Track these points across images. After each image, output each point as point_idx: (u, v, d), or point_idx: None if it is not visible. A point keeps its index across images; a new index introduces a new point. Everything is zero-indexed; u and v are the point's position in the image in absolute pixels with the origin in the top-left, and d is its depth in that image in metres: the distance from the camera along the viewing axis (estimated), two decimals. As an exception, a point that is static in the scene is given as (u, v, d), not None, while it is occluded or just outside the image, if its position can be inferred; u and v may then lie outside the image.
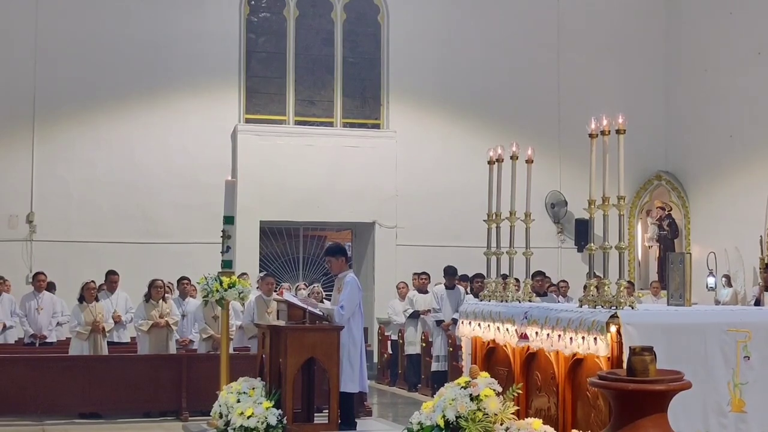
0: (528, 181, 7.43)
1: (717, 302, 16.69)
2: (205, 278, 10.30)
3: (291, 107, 18.69)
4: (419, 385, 14.87)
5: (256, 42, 18.77)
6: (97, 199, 17.32)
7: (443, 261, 15.49)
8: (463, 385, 6.62)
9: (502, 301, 7.53)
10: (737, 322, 5.96)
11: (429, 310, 14.91)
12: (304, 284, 15.92)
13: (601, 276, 6.16)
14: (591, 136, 6.41)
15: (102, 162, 17.45)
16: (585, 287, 6.35)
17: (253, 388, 9.31)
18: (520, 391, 6.65)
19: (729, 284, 17.30)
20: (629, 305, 5.92)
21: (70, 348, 12.47)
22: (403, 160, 18.65)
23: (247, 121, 18.32)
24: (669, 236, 19.72)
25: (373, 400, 13.34)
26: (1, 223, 16.91)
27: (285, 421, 8.88)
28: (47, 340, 13.77)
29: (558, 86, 19.52)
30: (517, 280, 8.50)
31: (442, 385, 7.04)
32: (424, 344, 14.84)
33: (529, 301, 7.50)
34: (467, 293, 14.44)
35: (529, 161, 7.53)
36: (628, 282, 7.15)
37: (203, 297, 10.73)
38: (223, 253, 10.43)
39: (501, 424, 6.35)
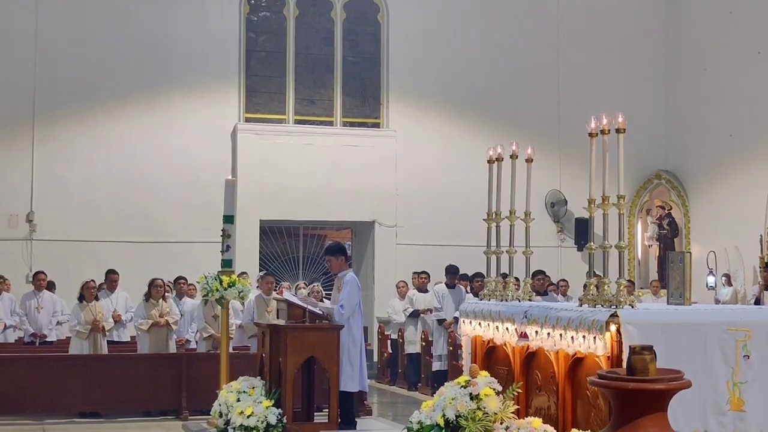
0: (528, 180, 7.43)
1: (717, 301, 16.69)
2: (205, 277, 10.30)
3: (291, 106, 18.69)
4: (419, 384, 14.87)
5: (256, 41, 18.78)
6: (97, 198, 17.32)
7: (443, 260, 15.50)
8: (463, 384, 6.62)
9: (501, 300, 7.53)
10: (737, 321, 5.96)
11: (429, 310, 14.90)
12: (304, 283, 15.93)
13: (601, 275, 6.16)
14: (591, 135, 6.41)
15: (102, 161, 17.45)
16: (585, 286, 6.34)
17: (253, 388, 9.31)
18: (520, 391, 6.65)
19: (729, 283, 17.30)
20: (629, 304, 5.92)
21: (70, 347, 12.47)
22: (402, 160, 18.65)
23: (247, 120, 18.33)
24: (669, 235, 19.72)
25: (373, 400, 13.35)
26: (1, 223, 16.92)
27: (285, 420, 8.88)
28: (47, 340, 13.77)
29: (558, 86, 19.53)
30: (516, 279, 8.50)
31: (443, 385, 7.04)
32: (423, 343, 14.84)
33: (529, 300, 7.51)
34: (467, 292, 14.44)
35: (528, 160, 7.52)
36: (628, 281, 7.14)
37: (203, 296, 10.74)
38: (222, 252, 10.43)
39: (501, 423, 6.35)
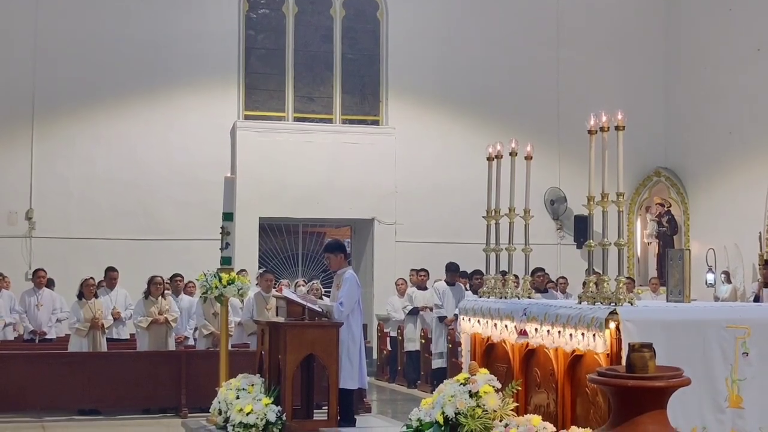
0: (527, 178, 7.42)
1: (716, 299, 16.69)
2: (205, 275, 10.30)
3: (290, 104, 18.69)
4: (418, 382, 14.88)
5: (256, 39, 18.77)
6: (96, 196, 17.32)
7: (442, 257, 15.49)
8: (463, 381, 6.62)
9: (501, 298, 7.53)
10: (736, 318, 5.96)
11: (429, 308, 14.89)
12: (303, 281, 15.93)
13: (601, 272, 6.15)
14: (590, 132, 6.40)
15: (101, 159, 17.45)
16: (584, 284, 6.33)
17: (253, 385, 9.31)
18: (520, 388, 6.65)
19: (728, 281, 17.30)
20: (628, 302, 5.92)
21: (70, 344, 12.47)
22: (402, 157, 18.65)
23: (247, 117, 18.32)
24: (668, 233, 19.72)
25: (373, 397, 13.36)
26: (0, 220, 16.91)
27: (284, 418, 8.89)
28: (47, 337, 13.77)
29: (557, 83, 19.52)
30: (516, 276, 8.49)
31: (442, 382, 7.04)
32: (423, 341, 14.84)
33: (529, 297, 7.51)
34: (466, 290, 14.44)
35: (528, 158, 7.51)
36: (628, 278, 7.15)
37: (202, 293, 10.73)
38: (222, 249, 10.43)
39: (500, 421, 6.34)
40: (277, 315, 11.13)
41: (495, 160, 7.69)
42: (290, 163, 17.98)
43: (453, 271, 14.80)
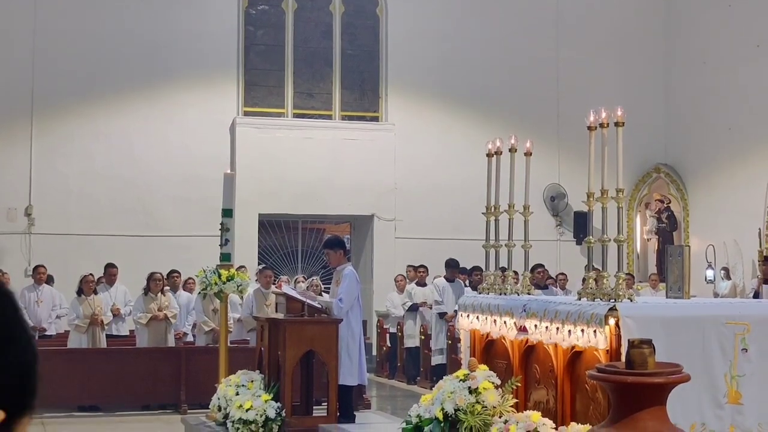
0: (527, 174, 7.42)
1: (716, 295, 16.70)
2: (204, 271, 10.30)
3: (290, 100, 18.68)
4: (418, 378, 14.89)
5: (255, 35, 18.75)
6: (95, 192, 17.31)
7: (442, 254, 15.50)
8: (462, 377, 6.62)
9: (500, 294, 7.53)
10: (736, 314, 5.96)
11: (430, 305, 14.89)
12: (303, 277, 15.93)
13: (600, 269, 6.15)
14: (590, 128, 6.40)
15: (100, 155, 17.44)
16: (584, 280, 6.34)
17: (252, 381, 9.32)
18: (519, 384, 6.65)
19: (728, 277, 17.31)
20: (628, 298, 5.92)
21: (69, 341, 12.48)
22: (401, 153, 18.64)
23: (246, 113, 18.31)
24: (668, 229, 19.72)
25: (372, 393, 13.36)
26: (-1, 217, 16.93)
27: (284, 414, 8.89)
28: (46, 333, 13.77)
29: (557, 81, 19.50)
30: (515, 273, 8.50)
31: (442, 378, 7.05)
32: (422, 337, 14.85)
33: (528, 293, 7.51)
34: (466, 286, 14.44)
35: (528, 154, 7.51)
36: (627, 275, 7.15)
37: (202, 290, 10.73)
38: (221, 245, 10.43)
39: (500, 417, 6.35)
40: (276, 311, 11.12)
41: (494, 156, 7.69)
42: (290, 159, 17.97)
43: (453, 268, 14.80)
